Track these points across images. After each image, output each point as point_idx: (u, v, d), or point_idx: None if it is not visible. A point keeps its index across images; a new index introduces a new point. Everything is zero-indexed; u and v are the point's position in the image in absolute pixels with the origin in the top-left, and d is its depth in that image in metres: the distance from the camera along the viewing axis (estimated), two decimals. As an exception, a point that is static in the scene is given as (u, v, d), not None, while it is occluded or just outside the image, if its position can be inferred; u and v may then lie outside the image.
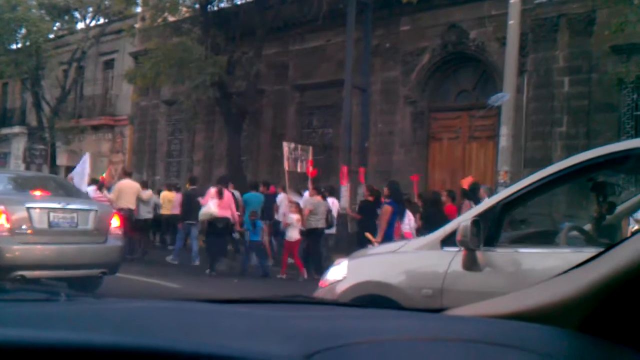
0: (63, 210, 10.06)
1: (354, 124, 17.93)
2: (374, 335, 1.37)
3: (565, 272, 1.57)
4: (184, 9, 21.02)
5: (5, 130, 35.81)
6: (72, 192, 11.74)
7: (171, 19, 20.86)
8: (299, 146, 17.28)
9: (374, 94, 18.64)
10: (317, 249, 13.96)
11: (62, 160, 28.76)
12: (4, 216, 9.30)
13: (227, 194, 13.93)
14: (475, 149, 17.62)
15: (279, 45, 21.42)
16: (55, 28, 29.70)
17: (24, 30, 26.77)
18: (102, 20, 29.66)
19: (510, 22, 14.52)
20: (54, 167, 27.03)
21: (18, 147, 35.69)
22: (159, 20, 20.97)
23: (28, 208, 9.65)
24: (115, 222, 10.85)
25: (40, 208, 9.80)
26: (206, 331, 1.28)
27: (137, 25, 28.42)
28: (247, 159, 22.09)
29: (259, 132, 22.08)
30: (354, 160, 17.50)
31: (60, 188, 11.70)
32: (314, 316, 1.67)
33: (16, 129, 35.46)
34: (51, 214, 9.87)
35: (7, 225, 9.30)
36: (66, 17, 29.61)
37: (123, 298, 1.92)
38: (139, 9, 28.43)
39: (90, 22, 28.84)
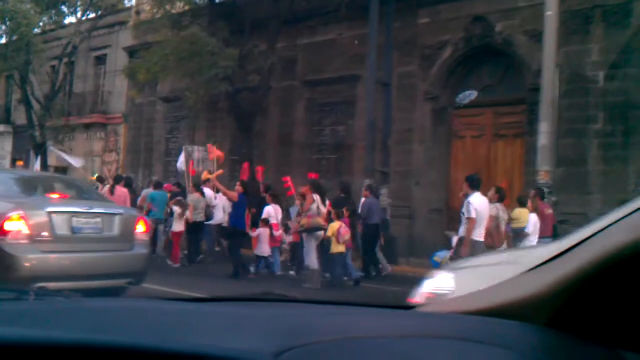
0: (86, 214, 9.13)
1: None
2: (346, 333, 1.38)
3: (533, 268, 1.60)
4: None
5: (-12, 130, 34.53)
6: (91, 194, 10.84)
7: (174, 10, 19.83)
8: (200, 148, 18.38)
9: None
10: (196, 239, 15.77)
11: (51, 160, 27.53)
12: (22, 222, 8.31)
13: (121, 190, 15.89)
14: (501, 147, 16.80)
15: (287, 39, 20.30)
16: (40, 24, 28.34)
17: (8, 24, 25.53)
18: (92, 15, 28.39)
19: (548, 13, 13.88)
20: (45, 168, 25.71)
21: (2, 146, 34.39)
22: (161, 11, 19.96)
23: (49, 212, 8.69)
24: (141, 227, 9.97)
25: (62, 212, 8.86)
26: (176, 329, 1.30)
27: (131, 19, 27.41)
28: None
29: (265, 130, 21.01)
30: (377, 159, 16.67)
31: (77, 190, 10.85)
32: (285, 314, 1.68)
33: (0, 128, 34.16)
34: (73, 219, 8.94)
35: (27, 232, 8.32)
36: (53, 11, 28.28)
37: (96, 297, 2.01)
38: (132, 2, 27.47)
39: (82, 16, 27.51)
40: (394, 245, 15.85)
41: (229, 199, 14.35)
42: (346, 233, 12.71)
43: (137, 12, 27.16)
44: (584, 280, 1.42)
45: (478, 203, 10.29)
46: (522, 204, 12.12)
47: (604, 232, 1.45)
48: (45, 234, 8.44)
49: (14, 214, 8.25)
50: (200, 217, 15.56)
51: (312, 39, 20.35)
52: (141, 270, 9.50)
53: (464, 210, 10.37)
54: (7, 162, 33.44)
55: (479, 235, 10.24)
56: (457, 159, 17.43)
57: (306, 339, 1.27)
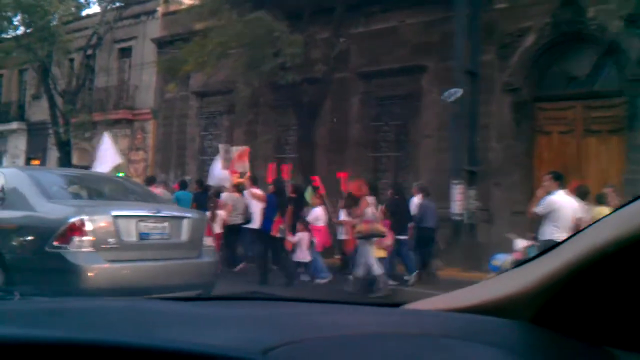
0: (154, 218, 7.93)
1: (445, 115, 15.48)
2: (332, 331, 1.38)
3: (519, 265, 1.57)
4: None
5: (1, 127, 32.67)
6: (151, 196, 9.46)
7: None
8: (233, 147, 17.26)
9: (464, 80, 15.86)
10: (233, 243, 14.68)
11: (74, 158, 25.74)
12: (87, 227, 7.07)
13: None
14: (593, 144, 14.93)
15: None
16: (57, 15, 26.50)
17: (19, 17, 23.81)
18: (116, 5, 26.56)
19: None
20: (69, 166, 23.82)
21: (16, 145, 32.63)
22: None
23: (115, 217, 7.41)
24: (209, 232, 8.80)
25: (129, 216, 7.62)
26: (162, 327, 1.29)
27: (159, 9, 25.74)
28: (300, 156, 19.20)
29: (314, 126, 19.08)
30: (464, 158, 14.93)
31: (133, 192, 9.63)
32: (273, 312, 1.66)
33: (14, 125, 32.33)
34: (140, 224, 7.71)
35: (91, 239, 7.10)
36: (72, 2, 26.43)
37: (79, 297, 2.15)
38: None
39: (106, 6, 25.64)
40: (480, 250, 14.13)
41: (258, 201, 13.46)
42: (389, 237, 12.15)
43: (166, 0, 25.51)
44: (570, 277, 1.37)
45: (561, 202, 9.43)
46: (601, 202, 11.20)
47: (591, 228, 1.40)
48: (111, 240, 7.31)
49: (77, 219, 7.07)
50: (239, 219, 14.42)
51: (367, 27, 18.54)
52: (211, 281, 8.43)
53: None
54: (21, 161, 31.60)
55: (555, 235, 9.08)
56: (542, 156, 15.57)
57: (294, 336, 1.26)
